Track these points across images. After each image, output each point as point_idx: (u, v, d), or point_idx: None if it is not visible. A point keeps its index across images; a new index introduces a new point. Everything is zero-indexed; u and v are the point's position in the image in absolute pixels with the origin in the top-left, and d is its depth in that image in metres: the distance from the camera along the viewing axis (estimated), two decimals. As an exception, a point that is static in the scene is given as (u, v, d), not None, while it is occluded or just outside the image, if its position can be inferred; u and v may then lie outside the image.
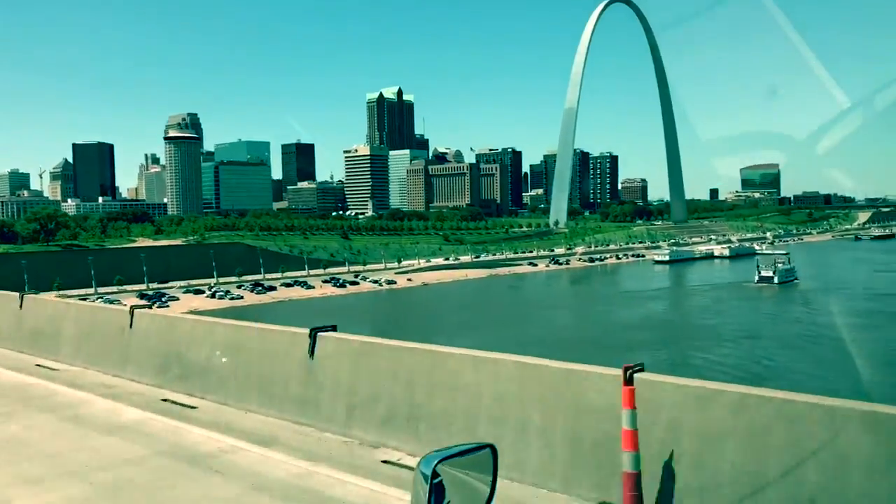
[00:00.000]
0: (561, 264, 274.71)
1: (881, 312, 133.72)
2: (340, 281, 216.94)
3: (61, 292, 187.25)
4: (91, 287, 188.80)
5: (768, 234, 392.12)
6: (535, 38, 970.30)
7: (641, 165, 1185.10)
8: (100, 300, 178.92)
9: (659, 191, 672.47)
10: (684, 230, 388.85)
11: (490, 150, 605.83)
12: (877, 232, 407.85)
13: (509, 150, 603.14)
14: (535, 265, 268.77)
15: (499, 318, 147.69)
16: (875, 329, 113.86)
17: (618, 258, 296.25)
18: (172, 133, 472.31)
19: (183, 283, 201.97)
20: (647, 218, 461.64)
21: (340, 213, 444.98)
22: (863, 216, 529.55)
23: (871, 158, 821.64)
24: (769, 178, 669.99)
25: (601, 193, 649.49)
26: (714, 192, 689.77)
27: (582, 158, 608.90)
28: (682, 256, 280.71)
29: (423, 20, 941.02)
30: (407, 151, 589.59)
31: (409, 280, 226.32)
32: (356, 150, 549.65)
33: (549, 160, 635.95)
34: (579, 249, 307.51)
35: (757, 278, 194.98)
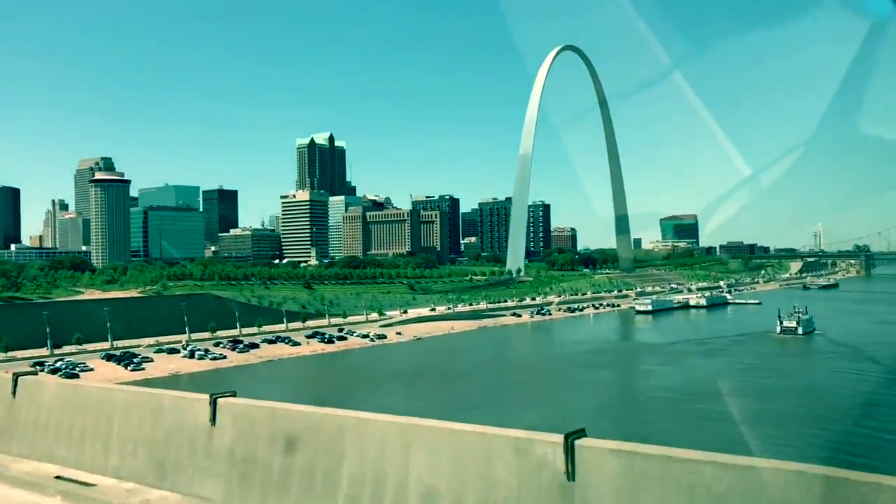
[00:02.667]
0: (544, 315, 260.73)
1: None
2: (327, 336, 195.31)
3: (9, 354, 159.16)
4: (45, 347, 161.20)
5: (722, 283, 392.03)
6: (462, 86, 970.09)
7: (567, 213, 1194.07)
8: (60, 362, 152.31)
9: (585, 239, 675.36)
10: (642, 279, 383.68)
11: (427, 197, 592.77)
12: (822, 282, 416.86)
13: (447, 197, 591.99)
14: (520, 316, 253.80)
15: (551, 381, 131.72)
16: None
17: (595, 308, 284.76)
18: (99, 176, 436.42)
19: (151, 340, 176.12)
20: (592, 266, 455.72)
21: (278, 261, 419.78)
22: (794, 266, 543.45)
23: (772, 214, 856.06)
24: (687, 229, 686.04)
25: (535, 242, 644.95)
26: (637, 242, 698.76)
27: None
28: (663, 306, 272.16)
29: (342, 69, 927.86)
30: (342, 198, 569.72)
31: (399, 334, 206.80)
32: (294, 196, 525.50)
33: (485, 208, 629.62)
34: (554, 299, 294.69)
35: (779, 329, 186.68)
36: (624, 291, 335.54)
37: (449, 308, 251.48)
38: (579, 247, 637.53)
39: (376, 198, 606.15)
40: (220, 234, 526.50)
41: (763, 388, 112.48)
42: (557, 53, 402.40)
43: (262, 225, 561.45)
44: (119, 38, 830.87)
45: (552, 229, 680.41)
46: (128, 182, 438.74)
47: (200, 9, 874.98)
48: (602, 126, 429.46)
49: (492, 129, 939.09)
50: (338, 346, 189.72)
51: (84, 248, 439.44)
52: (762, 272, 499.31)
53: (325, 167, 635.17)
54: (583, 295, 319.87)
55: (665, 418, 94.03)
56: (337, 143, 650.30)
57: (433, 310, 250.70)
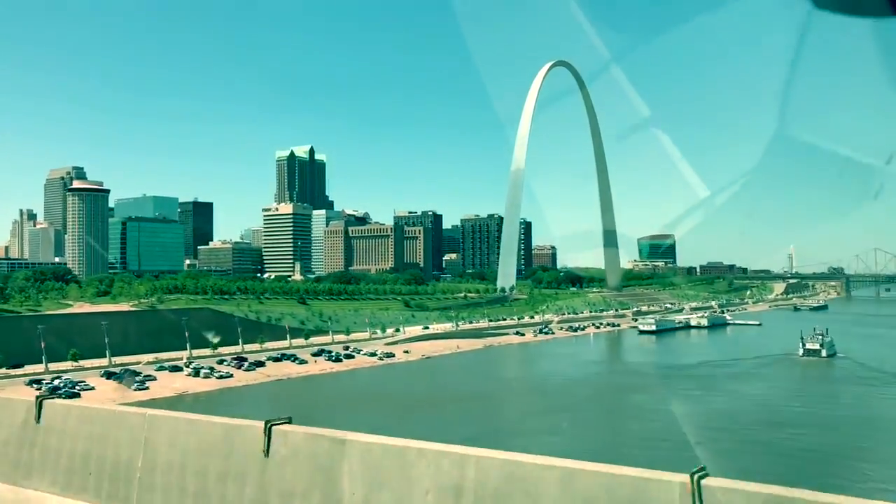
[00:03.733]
0: (547, 334, 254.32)
1: None
2: (334, 355, 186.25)
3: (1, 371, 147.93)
4: (40, 363, 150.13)
5: (714, 304, 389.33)
6: (439, 101, 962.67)
7: (545, 231, 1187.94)
8: (58, 380, 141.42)
9: (562, 258, 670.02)
10: (635, 298, 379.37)
11: (409, 212, 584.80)
12: (813, 303, 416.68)
13: (430, 213, 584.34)
14: (523, 334, 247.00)
15: (591, 406, 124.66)
16: None
17: (596, 327, 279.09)
18: (76, 185, 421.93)
19: (151, 357, 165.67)
20: (578, 285, 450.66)
21: (259, 275, 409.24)
22: (778, 287, 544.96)
23: (746, 236, 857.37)
24: (665, 249, 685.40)
25: (517, 259, 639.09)
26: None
27: (499, 224, 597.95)
28: (666, 326, 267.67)
29: (322, 82, 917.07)
30: (323, 212, 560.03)
31: (407, 352, 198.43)
32: (276, 209, 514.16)
33: (467, 225, 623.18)
34: (554, 318, 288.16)
35: (801, 351, 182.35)
36: (620, 311, 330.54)
37: (455, 326, 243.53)
38: (558, 265, 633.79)
39: (355, 212, 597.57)
40: (198, 247, 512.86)
41: (838, 419, 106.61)
42: (550, 69, 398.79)
43: (241, 238, 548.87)
44: (91, 45, 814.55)
45: (532, 247, 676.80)
46: (107, 192, 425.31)
47: (180, 17, 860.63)
48: (592, 144, 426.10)
49: (471, 146, 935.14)
50: (346, 364, 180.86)
51: (57, 259, 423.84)
52: (748, 293, 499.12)
53: (304, 180, 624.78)
54: (580, 314, 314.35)
55: (752, 450, 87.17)
56: (317, 157, 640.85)
57: (426, 328, 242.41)
